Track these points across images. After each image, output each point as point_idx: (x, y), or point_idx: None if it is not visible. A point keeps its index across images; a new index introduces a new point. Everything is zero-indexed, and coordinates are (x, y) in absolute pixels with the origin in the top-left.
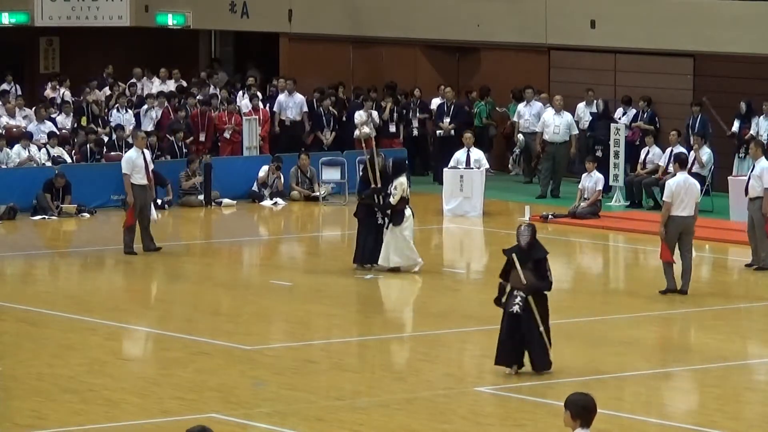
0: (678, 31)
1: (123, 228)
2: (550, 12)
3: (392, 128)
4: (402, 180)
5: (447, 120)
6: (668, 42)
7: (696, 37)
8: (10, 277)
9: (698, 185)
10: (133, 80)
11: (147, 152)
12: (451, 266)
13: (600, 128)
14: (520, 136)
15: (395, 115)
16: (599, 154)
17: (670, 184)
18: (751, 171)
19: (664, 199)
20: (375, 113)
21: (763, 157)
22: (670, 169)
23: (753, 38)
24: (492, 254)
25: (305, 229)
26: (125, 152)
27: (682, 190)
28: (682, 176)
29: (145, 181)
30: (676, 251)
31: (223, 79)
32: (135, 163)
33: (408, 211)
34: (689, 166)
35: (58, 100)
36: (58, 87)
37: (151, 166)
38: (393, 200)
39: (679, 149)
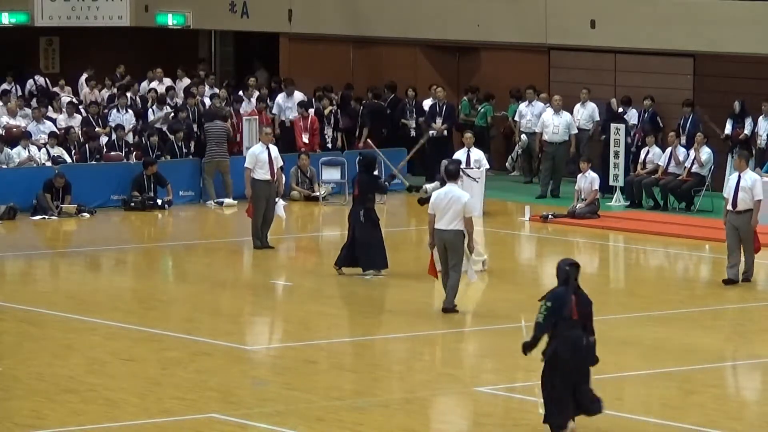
0: (678, 31)
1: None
2: (550, 12)
3: None
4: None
5: (439, 121)
6: (668, 42)
7: (696, 37)
8: (10, 277)
9: (464, 199)
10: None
11: (273, 148)
12: None
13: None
14: (524, 136)
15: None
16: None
17: (433, 195)
18: (738, 182)
19: (428, 211)
20: None
21: (749, 169)
22: (671, 169)
23: (753, 38)
24: (491, 254)
25: (305, 229)
26: (125, 152)
27: (443, 203)
28: (447, 188)
29: (267, 177)
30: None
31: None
32: (258, 158)
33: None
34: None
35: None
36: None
37: (279, 163)
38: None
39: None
